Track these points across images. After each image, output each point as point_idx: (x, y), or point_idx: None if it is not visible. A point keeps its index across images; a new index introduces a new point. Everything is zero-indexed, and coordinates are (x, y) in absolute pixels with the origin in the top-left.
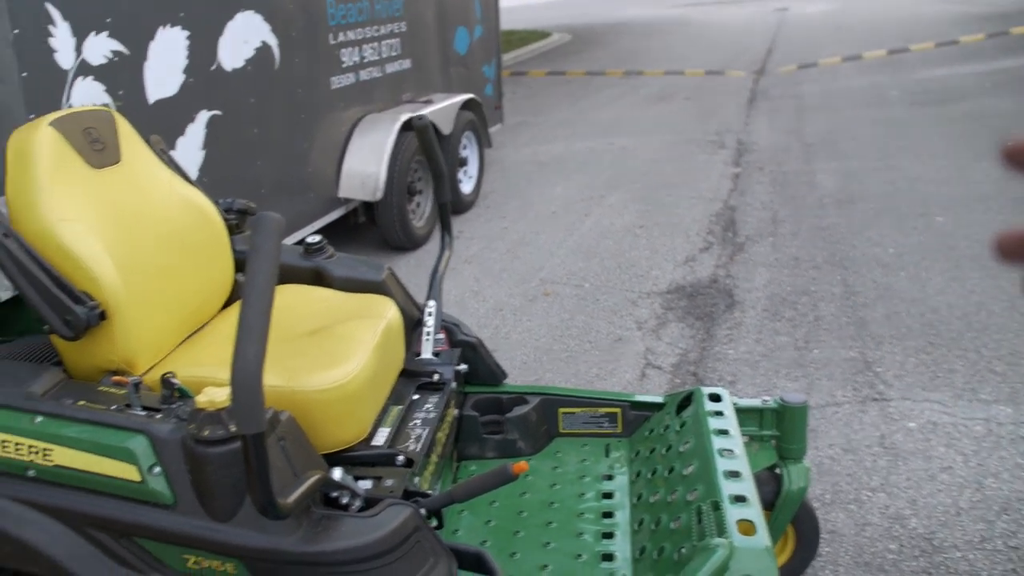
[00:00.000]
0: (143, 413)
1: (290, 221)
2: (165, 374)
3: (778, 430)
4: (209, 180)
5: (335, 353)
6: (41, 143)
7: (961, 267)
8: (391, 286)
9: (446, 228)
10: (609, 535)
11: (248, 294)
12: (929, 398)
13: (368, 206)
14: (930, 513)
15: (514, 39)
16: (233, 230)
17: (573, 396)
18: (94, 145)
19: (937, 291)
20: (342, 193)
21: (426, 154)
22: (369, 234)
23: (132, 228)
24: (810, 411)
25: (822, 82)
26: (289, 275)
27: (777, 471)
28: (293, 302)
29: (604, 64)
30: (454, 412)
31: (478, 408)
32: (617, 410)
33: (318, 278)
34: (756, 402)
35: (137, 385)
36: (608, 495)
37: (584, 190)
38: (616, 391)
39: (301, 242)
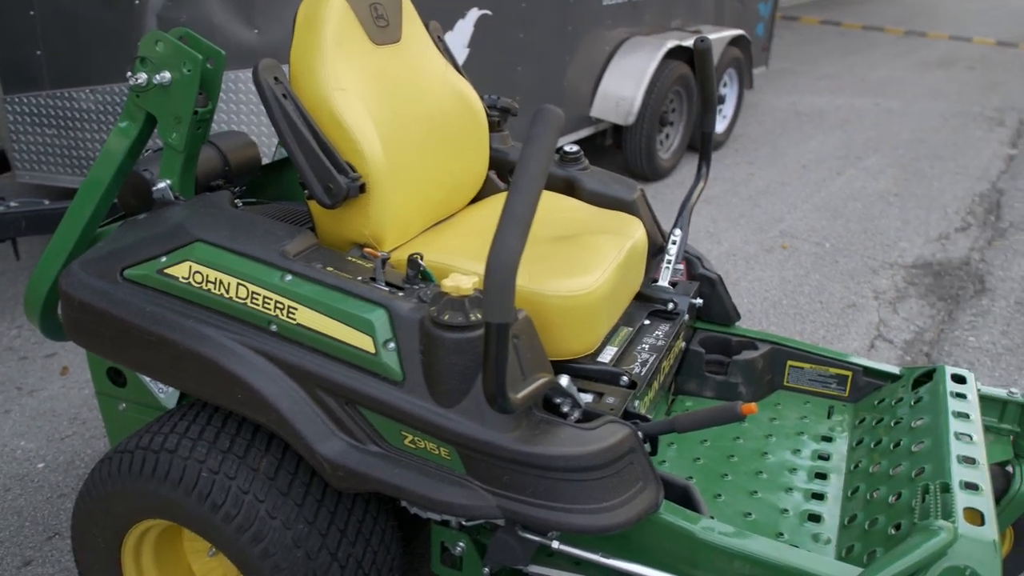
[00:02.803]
0: (386, 288)
1: None
2: (413, 254)
3: (1019, 426)
4: (468, 79)
5: (579, 262)
6: (330, 12)
7: None
8: (640, 207)
9: (705, 159)
10: (819, 496)
11: (518, 183)
12: None
13: (617, 130)
14: None
15: None
16: (493, 127)
17: (805, 351)
18: (378, 21)
19: None
20: (594, 112)
21: (700, 79)
22: (612, 159)
23: (401, 109)
24: None
25: None
26: None
27: (1009, 468)
28: (542, 207)
29: (885, 20)
30: (681, 345)
31: (705, 345)
32: (848, 373)
33: (569, 187)
34: (1001, 392)
35: (385, 261)
36: (824, 457)
37: (840, 148)
38: (851, 354)
39: (558, 150)
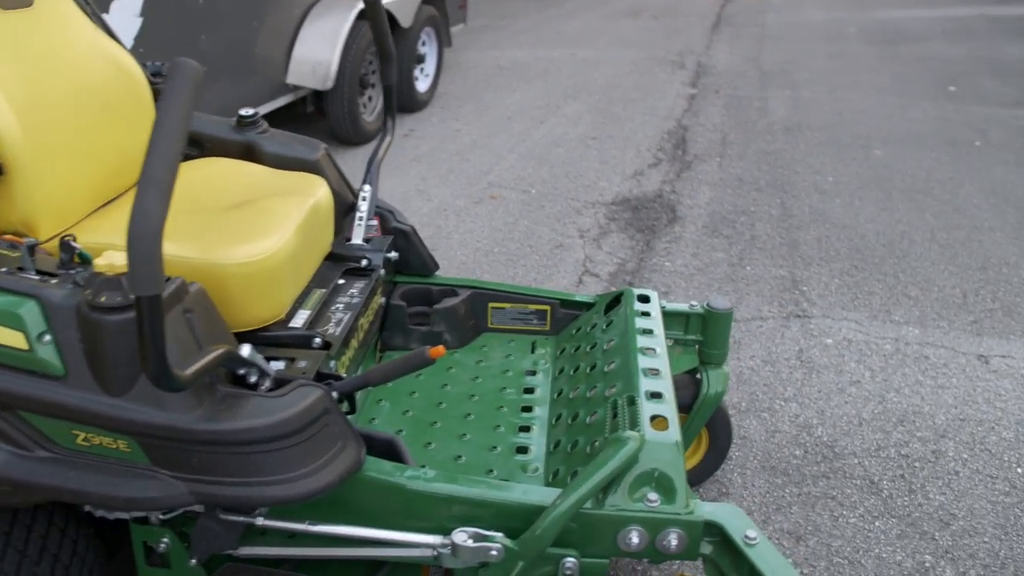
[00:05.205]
0: (36, 277)
1: (233, 104)
2: (64, 236)
3: (702, 335)
4: (145, 51)
5: (255, 227)
6: None
7: (892, 198)
8: (325, 166)
9: (389, 112)
10: (526, 428)
11: (154, 143)
12: (847, 317)
13: (318, 95)
14: (835, 423)
15: None
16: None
17: (504, 291)
18: None
19: (867, 219)
20: (291, 79)
21: (374, 31)
22: (317, 126)
23: (41, 78)
24: (736, 324)
25: (786, 14)
26: (218, 148)
27: (697, 375)
28: (218, 175)
29: None
30: (380, 300)
31: (406, 298)
32: (547, 308)
33: (249, 153)
34: (683, 306)
35: (33, 247)
36: (530, 390)
37: (541, 98)
38: (548, 289)
39: (236, 116)
